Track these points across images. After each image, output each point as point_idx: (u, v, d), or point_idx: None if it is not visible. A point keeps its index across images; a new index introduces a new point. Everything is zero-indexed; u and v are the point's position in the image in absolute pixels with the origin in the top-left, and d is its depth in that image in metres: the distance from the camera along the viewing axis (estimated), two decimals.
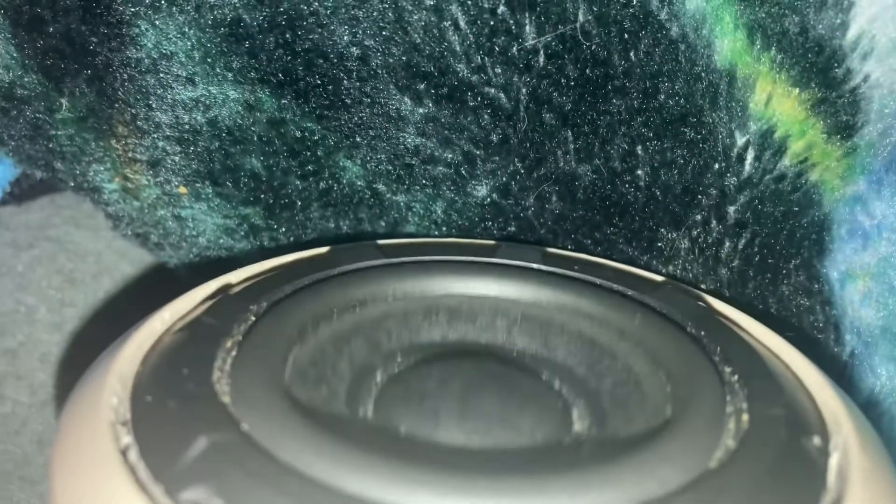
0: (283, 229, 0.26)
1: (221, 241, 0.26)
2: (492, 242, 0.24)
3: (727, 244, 0.24)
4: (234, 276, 0.21)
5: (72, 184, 0.27)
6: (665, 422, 0.16)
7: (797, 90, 0.21)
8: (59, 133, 0.25)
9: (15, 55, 0.23)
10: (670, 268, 0.25)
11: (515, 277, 0.21)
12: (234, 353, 0.17)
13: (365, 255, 0.22)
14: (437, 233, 0.26)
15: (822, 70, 0.21)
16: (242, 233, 0.26)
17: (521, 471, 0.15)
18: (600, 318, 0.20)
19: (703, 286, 0.25)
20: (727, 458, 0.15)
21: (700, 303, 0.21)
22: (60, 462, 0.15)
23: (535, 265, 0.22)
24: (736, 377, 0.17)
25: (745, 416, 0.16)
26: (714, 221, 0.23)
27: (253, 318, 0.18)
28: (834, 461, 0.16)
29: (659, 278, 0.22)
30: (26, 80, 0.24)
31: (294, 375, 0.17)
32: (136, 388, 0.16)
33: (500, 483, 0.14)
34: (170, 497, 0.13)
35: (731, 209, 0.23)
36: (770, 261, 0.24)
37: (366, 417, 0.17)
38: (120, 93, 0.23)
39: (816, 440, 0.16)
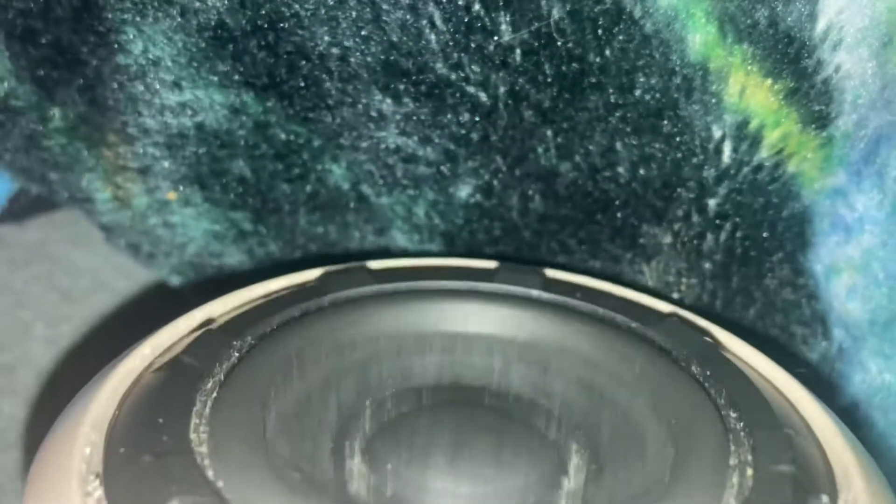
0: (272, 234, 0.26)
1: (211, 247, 0.26)
2: (490, 265, 0.23)
3: (709, 237, 0.24)
4: (220, 306, 0.20)
5: (66, 195, 0.27)
6: (665, 478, 0.16)
7: (770, 81, 0.22)
8: (53, 143, 0.25)
9: (9, 66, 0.24)
10: (653, 263, 0.25)
11: (513, 313, 0.21)
12: (214, 395, 0.16)
13: (356, 280, 0.21)
14: (419, 236, 0.26)
15: (793, 61, 0.21)
16: (231, 238, 0.26)
17: None
18: (600, 361, 0.20)
19: (685, 280, 0.25)
20: None
21: (706, 338, 0.20)
22: None
23: (534, 292, 0.21)
24: (741, 424, 0.17)
25: (750, 471, 0.16)
26: (695, 215, 0.24)
27: (236, 356, 0.18)
28: None
29: (665, 308, 0.22)
30: (20, 91, 0.25)
31: (276, 425, 0.17)
32: (110, 436, 0.16)
33: None
34: None
35: (712, 202, 0.23)
36: (753, 254, 0.24)
37: (352, 471, 0.17)
38: (110, 100, 0.24)
39: (825, 500, 0.15)
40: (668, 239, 0.24)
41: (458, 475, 0.16)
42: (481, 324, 0.21)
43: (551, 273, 0.23)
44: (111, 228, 0.27)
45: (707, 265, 0.24)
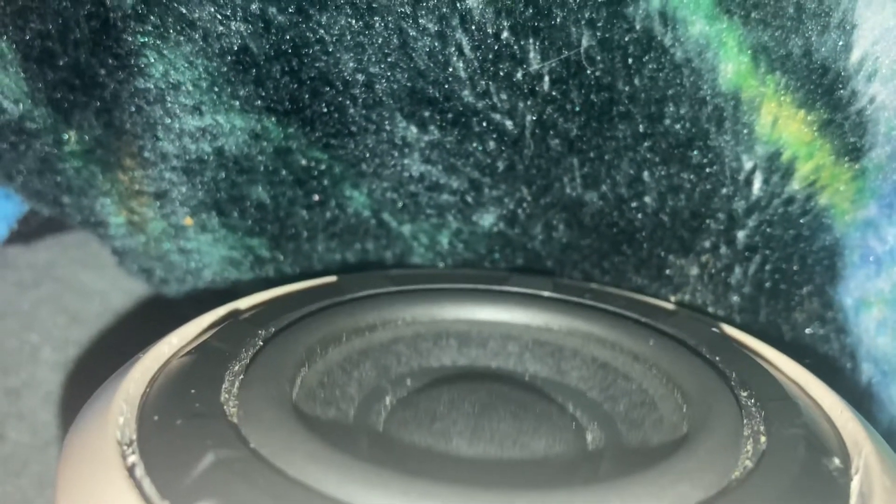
0: (290, 260, 0.25)
1: (226, 273, 0.26)
2: (502, 272, 0.24)
3: (737, 270, 0.23)
4: (243, 303, 0.21)
5: (78, 219, 0.27)
6: (681, 442, 0.16)
7: (803, 112, 0.21)
8: (67, 166, 0.25)
9: (25, 89, 0.24)
10: (679, 295, 0.24)
11: (526, 303, 0.21)
12: (241, 376, 0.17)
13: (374, 283, 0.22)
14: (442, 265, 0.26)
15: (827, 92, 0.21)
16: (248, 264, 0.26)
17: (534, 486, 0.14)
18: (613, 342, 0.20)
19: (713, 311, 0.24)
20: (745, 477, 0.15)
21: (714, 329, 0.21)
22: (65, 482, 0.15)
23: (546, 293, 0.22)
24: (752, 400, 0.17)
25: (763, 438, 0.16)
26: (723, 247, 0.23)
27: (261, 343, 0.18)
28: (856, 483, 0.15)
29: (671, 306, 0.22)
30: (35, 113, 0.24)
31: (303, 396, 0.17)
32: (142, 408, 0.16)
33: (512, 498, 0.13)
34: None
35: (741, 234, 0.23)
36: (782, 287, 0.23)
37: (375, 434, 0.17)
38: (128, 124, 0.23)
39: (837, 461, 0.16)
40: (694, 271, 0.24)
41: (479, 434, 0.17)
42: (496, 315, 0.21)
43: (561, 280, 0.23)
44: (124, 253, 0.27)
45: (735, 298, 0.24)
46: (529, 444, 0.17)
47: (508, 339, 0.21)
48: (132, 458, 0.14)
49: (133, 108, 0.23)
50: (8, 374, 0.31)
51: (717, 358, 0.19)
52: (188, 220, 0.25)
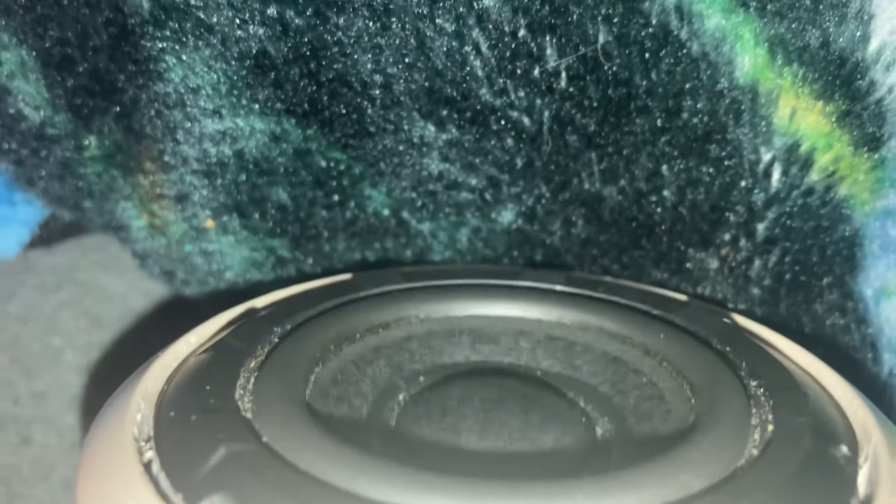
0: (310, 261, 0.26)
1: (248, 274, 0.26)
2: (515, 268, 0.24)
3: (757, 262, 0.23)
4: (260, 302, 0.21)
5: (100, 223, 0.27)
6: (688, 433, 0.16)
7: (821, 103, 0.21)
8: (88, 171, 0.25)
9: (46, 95, 0.24)
10: (699, 289, 0.24)
11: (538, 299, 0.22)
12: (256, 372, 0.17)
13: (388, 280, 0.22)
14: (461, 262, 0.26)
15: (845, 82, 0.21)
16: (269, 265, 0.26)
17: (541, 476, 0.14)
18: (624, 336, 0.20)
19: (732, 307, 0.24)
20: (750, 465, 0.15)
21: (726, 319, 0.21)
22: (85, 479, 0.15)
23: (558, 287, 0.22)
24: (762, 390, 0.17)
25: (771, 427, 0.16)
26: (743, 239, 0.23)
27: (277, 340, 0.19)
28: (864, 471, 0.15)
29: (683, 298, 0.22)
30: (56, 119, 0.24)
31: (316, 393, 0.18)
32: (159, 405, 0.17)
33: (520, 488, 0.14)
34: None
35: (760, 226, 0.23)
36: (802, 278, 0.23)
37: (387, 430, 0.17)
38: (147, 128, 0.24)
39: (844, 449, 0.16)
40: (714, 264, 0.24)
41: (489, 428, 0.17)
42: (508, 310, 0.21)
43: (573, 273, 0.24)
44: (146, 256, 0.27)
45: (755, 291, 0.24)
46: (540, 438, 0.17)
47: (521, 335, 0.21)
48: (149, 454, 0.15)
49: (153, 113, 0.23)
50: (32, 378, 0.31)
51: (728, 348, 0.19)
52: (209, 223, 0.25)
